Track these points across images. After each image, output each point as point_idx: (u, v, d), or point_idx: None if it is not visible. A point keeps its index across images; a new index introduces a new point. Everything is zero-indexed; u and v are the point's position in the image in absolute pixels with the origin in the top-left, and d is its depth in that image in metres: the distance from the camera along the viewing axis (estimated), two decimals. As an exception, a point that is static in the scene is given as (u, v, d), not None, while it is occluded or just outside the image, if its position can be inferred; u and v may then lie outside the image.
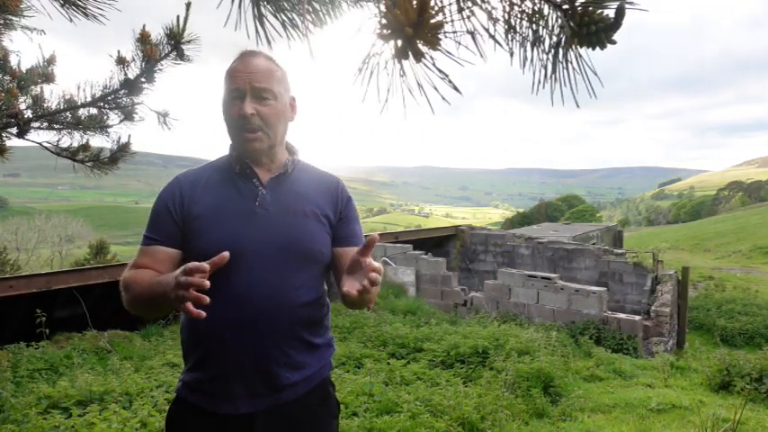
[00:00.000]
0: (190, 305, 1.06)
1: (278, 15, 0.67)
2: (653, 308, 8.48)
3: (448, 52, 0.59)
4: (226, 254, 1.11)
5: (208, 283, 1.08)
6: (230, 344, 1.28)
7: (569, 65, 0.62)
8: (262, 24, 0.65)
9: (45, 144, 2.14)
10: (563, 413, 4.10)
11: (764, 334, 9.73)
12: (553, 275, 8.58)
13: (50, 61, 2.23)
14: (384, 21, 0.58)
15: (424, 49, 0.59)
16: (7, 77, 2.04)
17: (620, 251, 10.65)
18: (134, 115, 2.10)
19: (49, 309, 5.50)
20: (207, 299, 1.07)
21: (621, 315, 7.83)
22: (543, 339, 5.64)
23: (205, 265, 1.08)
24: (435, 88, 0.60)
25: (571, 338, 6.93)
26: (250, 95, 1.28)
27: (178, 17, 1.81)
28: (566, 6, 0.59)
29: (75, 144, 2.19)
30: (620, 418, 4.03)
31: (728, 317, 10.57)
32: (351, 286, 1.18)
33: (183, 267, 1.10)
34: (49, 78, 2.18)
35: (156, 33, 1.86)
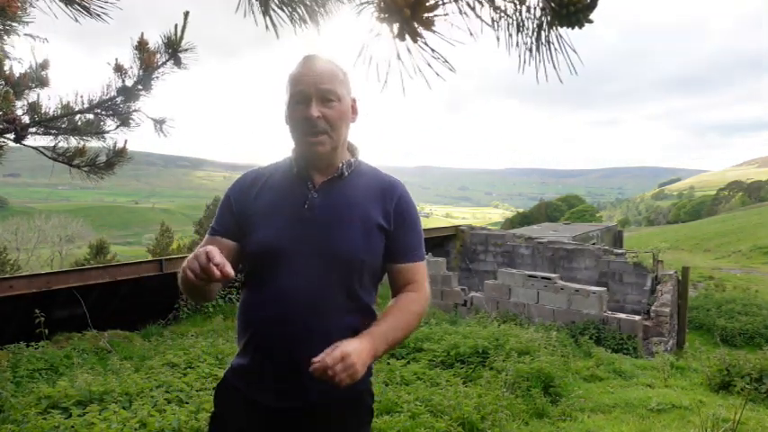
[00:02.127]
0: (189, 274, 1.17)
1: (284, 8, 0.70)
2: (653, 308, 8.47)
3: (441, 34, 0.64)
4: (229, 272, 1.16)
5: (216, 273, 1.13)
6: (266, 339, 1.32)
7: (551, 45, 0.67)
8: (269, 15, 0.68)
9: (42, 149, 2.14)
10: (563, 413, 4.10)
11: (764, 334, 9.73)
12: (553, 275, 8.58)
13: (44, 66, 2.23)
14: (383, 4, 0.62)
15: (420, 29, 0.62)
16: (1, 82, 2.04)
17: (620, 251, 10.64)
18: (130, 121, 2.11)
19: (48, 309, 5.50)
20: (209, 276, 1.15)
21: (621, 315, 7.83)
22: (543, 339, 5.64)
23: (217, 260, 1.15)
24: (429, 65, 0.64)
25: (571, 338, 6.93)
26: (315, 98, 1.29)
27: (176, 26, 1.81)
28: None
29: (72, 149, 2.19)
30: (620, 418, 4.03)
31: (728, 317, 10.56)
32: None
33: (205, 249, 1.17)
34: (43, 83, 2.18)
35: (154, 42, 1.87)
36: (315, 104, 1.29)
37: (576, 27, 0.63)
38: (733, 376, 4.86)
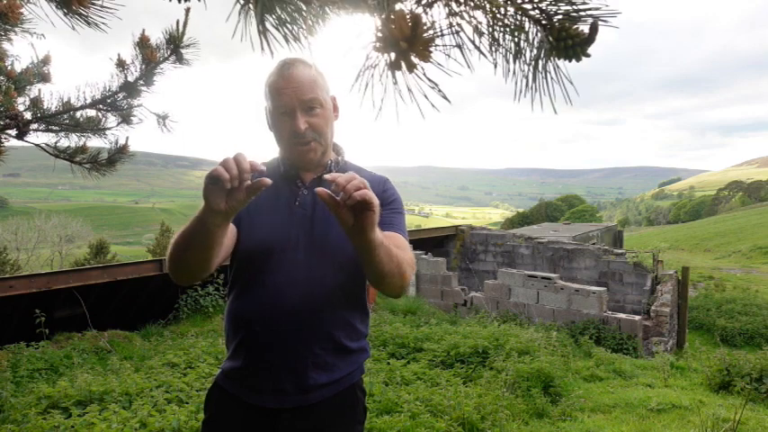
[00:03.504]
0: (221, 170, 1.00)
1: (280, 29, 0.71)
2: (653, 308, 8.48)
3: (439, 64, 0.64)
4: (267, 181, 1.04)
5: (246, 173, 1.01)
6: (260, 338, 1.31)
7: (548, 75, 0.67)
8: (266, 37, 0.69)
9: (43, 146, 2.14)
10: (563, 413, 4.10)
11: (764, 334, 9.73)
12: (553, 275, 8.58)
13: (45, 61, 2.22)
14: (380, 34, 0.61)
15: (416, 61, 0.62)
16: (3, 78, 2.04)
17: (620, 251, 10.64)
18: (132, 118, 2.10)
19: (48, 309, 5.50)
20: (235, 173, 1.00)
21: (621, 315, 7.82)
22: (543, 339, 5.64)
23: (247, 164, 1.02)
24: (426, 96, 0.64)
25: (571, 338, 6.93)
26: (299, 110, 1.29)
27: (178, 21, 1.81)
28: (544, 22, 0.64)
29: (74, 146, 2.19)
30: (620, 418, 4.03)
31: (728, 317, 10.57)
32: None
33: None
34: (45, 78, 2.18)
35: (156, 37, 1.86)
36: (300, 116, 1.29)
37: (574, 60, 0.63)
38: (733, 376, 4.86)
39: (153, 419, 3.16)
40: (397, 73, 0.63)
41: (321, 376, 1.32)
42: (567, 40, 0.62)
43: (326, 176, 1.02)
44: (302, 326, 1.29)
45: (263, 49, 0.68)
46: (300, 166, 1.38)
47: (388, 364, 4.96)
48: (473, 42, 0.65)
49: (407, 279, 1.25)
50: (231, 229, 1.32)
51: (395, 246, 1.25)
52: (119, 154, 2.23)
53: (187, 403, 3.61)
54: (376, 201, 1.02)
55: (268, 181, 1.04)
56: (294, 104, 1.29)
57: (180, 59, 1.89)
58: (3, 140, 1.96)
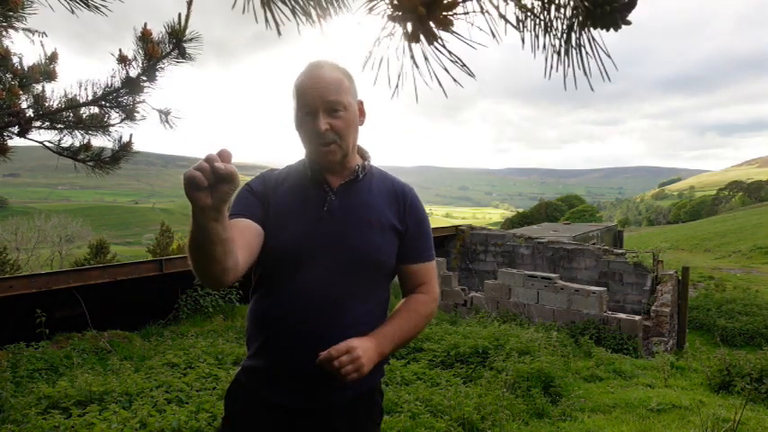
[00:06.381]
0: (192, 171, 0.99)
1: (287, 1, 0.65)
2: (653, 308, 8.47)
3: (460, 35, 0.57)
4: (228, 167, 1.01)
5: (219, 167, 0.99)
6: (283, 339, 1.32)
7: (582, 49, 0.60)
8: (270, 9, 0.63)
9: (47, 143, 2.13)
10: (563, 413, 4.10)
11: (764, 334, 9.72)
12: (553, 275, 8.57)
13: (52, 59, 2.22)
14: (396, 1, 0.56)
15: (436, 30, 0.57)
16: (9, 75, 2.03)
17: (620, 251, 10.63)
18: (135, 114, 2.09)
19: (48, 309, 5.50)
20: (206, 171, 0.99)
21: (621, 315, 7.82)
22: (543, 339, 5.64)
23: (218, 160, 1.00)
24: (446, 70, 0.59)
25: (571, 338, 6.92)
26: (322, 110, 1.30)
27: (180, 15, 1.80)
28: None
29: (77, 143, 2.18)
30: (620, 418, 4.03)
31: (728, 317, 10.56)
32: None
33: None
34: (51, 76, 2.18)
35: (158, 32, 1.85)
36: (322, 117, 1.30)
37: (612, 29, 0.56)
38: (733, 376, 4.86)
39: (153, 419, 3.16)
40: (415, 47, 0.57)
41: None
42: (605, 6, 0.55)
43: (318, 360, 1.24)
44: (326, 330, 1.30)
45: (267, 22, 0.63)
46: (323, 167, 1.38)
47: (388, 364, 4.95)
48: (498, 10, 0.57)
49: (430, 320, 1.50)
50: (255, 229, 1.31)
51: (418, 306, 1.42)
52: (123, 151, 2.23)
53: (187, 403, 3.61)
54: (365, 370, 1.24)
55: (232, 168, 1.00)
56: (317, 105, 1.30)
57: (182, 54, 1.87)
58: (5, 138, 1.96)
